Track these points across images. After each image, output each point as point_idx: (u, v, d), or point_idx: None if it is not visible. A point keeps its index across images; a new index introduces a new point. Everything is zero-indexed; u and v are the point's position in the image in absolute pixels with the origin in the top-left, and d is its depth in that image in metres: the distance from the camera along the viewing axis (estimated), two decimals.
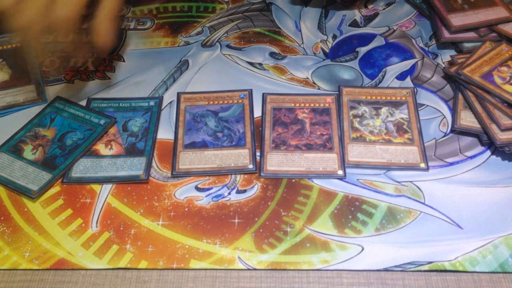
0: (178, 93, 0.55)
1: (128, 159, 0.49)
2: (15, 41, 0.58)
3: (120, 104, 0.54)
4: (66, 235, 0.44)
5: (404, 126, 0.51)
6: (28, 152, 0.50)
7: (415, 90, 0.55)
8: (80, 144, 0.50)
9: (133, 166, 0.49)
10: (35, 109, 0.54)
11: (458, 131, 0.51)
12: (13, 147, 0.50)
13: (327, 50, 0.61)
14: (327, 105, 0.54)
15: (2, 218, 0.45)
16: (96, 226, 0.45)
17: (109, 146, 0.51)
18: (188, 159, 0.49)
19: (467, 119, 0.51)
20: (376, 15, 0.65)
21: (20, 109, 0.54)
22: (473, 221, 0.44)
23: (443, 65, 0.58)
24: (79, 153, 0.49)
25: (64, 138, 0.51)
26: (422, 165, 0.48)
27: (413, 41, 0.61)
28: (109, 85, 0.57)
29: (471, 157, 0.49)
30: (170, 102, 0.55)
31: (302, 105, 0.54)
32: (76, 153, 0.49)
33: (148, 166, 0.49)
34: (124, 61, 0.60)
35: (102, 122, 0.52)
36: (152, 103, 0.54)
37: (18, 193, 0.47)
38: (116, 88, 0.56)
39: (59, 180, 0.48)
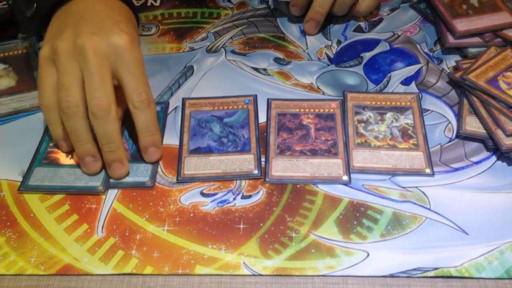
0: (183, 98, 0.56)
1: (134, 165, 0.49)
2: (21, 47, 0.59)
3: None
4: (72, 241, 0.44)
5: (409, 132, 0.51)
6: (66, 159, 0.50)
7: (420, 96, 0.55)
8: None
9: (139, 172, 0.49)
10: (41, 115, 0.54)
11: (463, 136, 0.51)
12: (45, 159, 0.50)
13: (331, 56, 0.61)
14: (331, 110, 0.54)
15: (8, 223, 0.46)
16: (102, 232, 0.45)
17: None
18: (193, 165, 0.49)
19: (473, 125, 0.51)
20: (380, 20, 0.65)
21: (26, 115, 0.55)
22: (479, 227, 0.44)
23: (448, 70, 0.58)
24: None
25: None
26: (428, 170, 0.48)
27: (418, 46, 0.61)
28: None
29: (477, 163, 0.49)
30: (175, 108, 0.55)
31: (307, 110, 0.54)
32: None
33: (154, 173, 0.49)
34: None
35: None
36: (158, 108, 0.54)
37: (85, 194, 0.48)
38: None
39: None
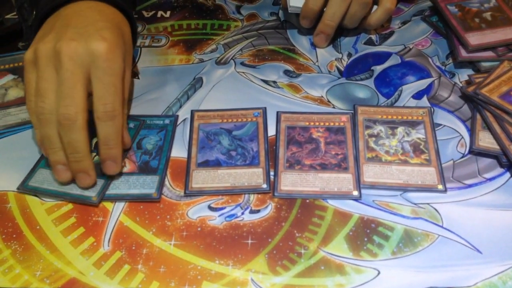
0: (191, 110, 0.55)
1: (141, 177, 0.49)
2: None
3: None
4: (78, 254, 0.44)
5: (421, 147, 0.50)
6: None
7: (432, 110, 0.54)
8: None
9: (146, 185, 0.48)
10: None
11: (476, 152, 0.50)
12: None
13: (342, 68, 0.60)
14: (342, 124, 0.53)
15: (14, 235, 0.45)
16: (108, 245, 0.44)
17: (123, 163, 0.50)
18: (201, 178, 0.49)
19: (486, 140, 0.50)
20: (391, 33, 0.65)
21: None
22: (492, 246, 0.43)
23: (460, 85, 0.57)
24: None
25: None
26: (440, 186, 0.47)
27: (430, 60, 0.61)
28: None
29: (490, 179, 0.48)
30: (184, 120, 0.55)
31: (317, 123, 0.53)
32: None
33: (161, 185, 0.48)
34: (138, 78, 0.60)
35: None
36: (167, 121, 0.54)
37: (78, 203, 0.47)
38: (130, 105, 0.56)
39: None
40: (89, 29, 0.47)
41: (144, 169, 0.50)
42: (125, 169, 0.50)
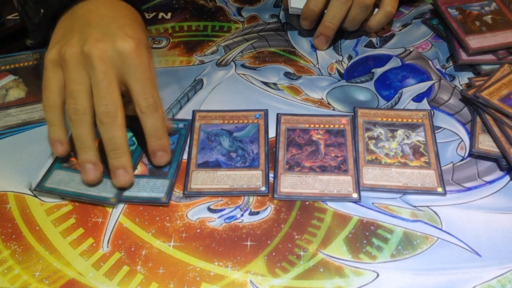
0: (193, 111, 0.55)
1: (151, 180, 0.49)
2: (32, 59, 0.59)
3: None
4: (77, 255, 0.44)
5: (421, 149, 0.50)
6: None
7: (432, 113, 0.54)
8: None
9: (155, 188, 0.48)
10: None
11: (476, 155, 0.50)
12: (67, 162, 0.50)
13: (342, 71, 0.60)
14: (342, 126, 0.53)
15: (13, 236, 0.45)
16: (107, 246, 0.44)
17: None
18: (200, 179, 0.49)
19: (486, 143, 0.50)
20: (392, 36, 0.65)
21: (35, 127, 0.55)
22: (492, 249, 0.43)
23: (461, 88, 0.57)
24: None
25: None
26: (439, 189, 0.47)
27: (430, 62, 0.61)
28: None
29: (490, 182, 0.48)
30: None
31: (317, 126, 0.53)
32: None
33: (170, 190, 0.48)
34: None
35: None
36: (181, 125, 0.54)
37: (96, 204, 0.47)
38: (131, 106, 0.56)
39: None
40: (111, 27, 0.48)
41: (155, 172, 0.49)
42: (137, 171, 0.49)
